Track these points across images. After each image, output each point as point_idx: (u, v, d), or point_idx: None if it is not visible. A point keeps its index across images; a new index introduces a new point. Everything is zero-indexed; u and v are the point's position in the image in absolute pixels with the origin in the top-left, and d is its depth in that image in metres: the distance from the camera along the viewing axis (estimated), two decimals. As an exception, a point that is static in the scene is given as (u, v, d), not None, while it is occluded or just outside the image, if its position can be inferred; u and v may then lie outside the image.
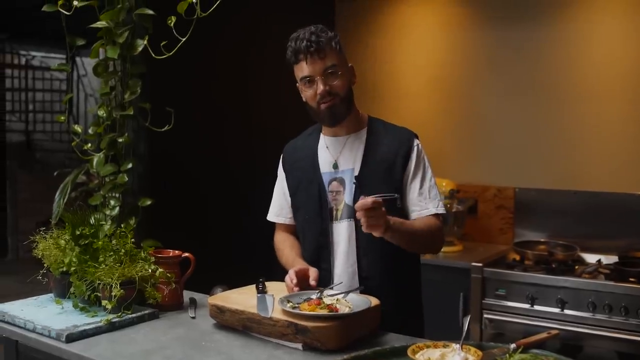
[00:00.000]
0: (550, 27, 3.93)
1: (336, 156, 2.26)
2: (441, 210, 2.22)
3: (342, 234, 2.22)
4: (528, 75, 4.02)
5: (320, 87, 2.12)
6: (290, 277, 2.08)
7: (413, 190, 2.20)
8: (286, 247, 2.38)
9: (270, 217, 2.48)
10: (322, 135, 2.33)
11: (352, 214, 2.16)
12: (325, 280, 2.19)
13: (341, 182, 2.23)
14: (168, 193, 3.17)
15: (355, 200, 2.11)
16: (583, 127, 3.86)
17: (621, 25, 3.73)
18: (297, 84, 2.23)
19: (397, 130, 2.29)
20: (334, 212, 2.23)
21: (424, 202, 2.20)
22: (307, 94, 2.18)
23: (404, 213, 2.20)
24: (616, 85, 3.75)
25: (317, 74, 2.12)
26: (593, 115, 3.82)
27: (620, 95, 3.74)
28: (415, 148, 2.24)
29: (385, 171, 2.20)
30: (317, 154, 2.30)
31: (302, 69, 2.15)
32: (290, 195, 2.37)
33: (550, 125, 3.95)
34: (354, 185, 2.18)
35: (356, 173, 2.20)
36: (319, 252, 2.26)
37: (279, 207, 2.44)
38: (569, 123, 3.89)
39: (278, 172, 2.46)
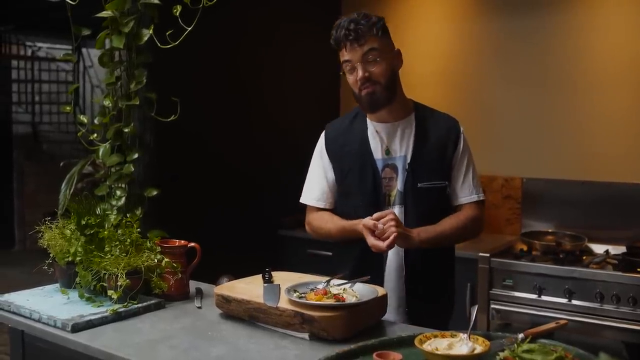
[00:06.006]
0: (557, 16, 3.90)
1: (388, 142, 2.28)
2: (482, 197, 2.32)
3: None
4: (535, 65, 3.99)
5: (360, 73, 2.16)
6: (374, 219, 2.07)
7: (460, 177, 2.28)
8: (329, 221, 2.33)
9: (308, 200, 2.41)
10: (369, 120, 2.32)
11: (403, 200, 2.23)
12: (373, 261, 2.24)
13: (394, 168, 2.26)
14: (174, 183, 3.17)
15: (406, 186, 2.21)
16: (591, 117, 3.83)
17: (629, 13, 3.69)
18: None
19: (443, 117, 2.35)
20: (387, 198, 2.26)
21: (469, 190, 2.28)
22: (349, 79, 2.22)
23: (450, 199, 2.29)
24: (624, 74, 3.72)
25: (357, 60, 2.16)
26: (601, 104, 3.80)
27: (628, 85, 3.71)
28: (462, 135, 2.32)
29: (436, 158, 2.25)
30: (367, 140, 2.29)
31: (343, 55, 2.20)
32: (338, 181, 2.34)
33: (557, 115, 3.93)
34: (406, 172, 2.22)
35: (408, 160, 2.24)
36: None
37: (320, 192, 2.38)
38: (577, 113, 3.87)
39: (318, 155, 2.40)
